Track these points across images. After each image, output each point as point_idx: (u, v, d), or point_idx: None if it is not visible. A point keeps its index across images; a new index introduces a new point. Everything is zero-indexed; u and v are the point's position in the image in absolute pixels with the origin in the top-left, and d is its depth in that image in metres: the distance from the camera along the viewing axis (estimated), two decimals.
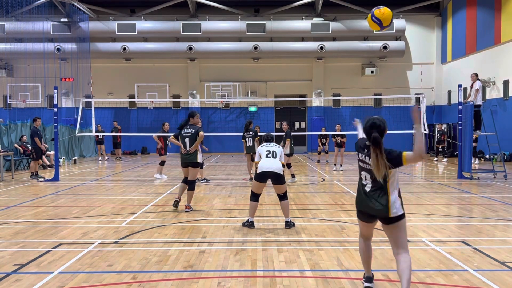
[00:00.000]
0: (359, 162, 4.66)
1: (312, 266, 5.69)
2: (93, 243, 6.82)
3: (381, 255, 6.14)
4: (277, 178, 7.74)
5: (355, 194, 4.76)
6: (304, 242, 6.88)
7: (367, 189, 4.51)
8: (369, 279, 4.88)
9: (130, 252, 6.38)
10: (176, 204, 9.47)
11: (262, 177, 7.77)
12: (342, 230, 7.63)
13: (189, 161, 9.42)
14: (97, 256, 6.19)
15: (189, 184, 9.47)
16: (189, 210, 9.30)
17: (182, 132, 9.60)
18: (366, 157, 4.51)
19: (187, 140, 9.45)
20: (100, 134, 23.99)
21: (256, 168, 8.17)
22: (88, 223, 8.34)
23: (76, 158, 24.27)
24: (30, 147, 17.37)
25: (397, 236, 4.43)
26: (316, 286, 5.02)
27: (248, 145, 14.60)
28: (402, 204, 4.45)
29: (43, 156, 19.75)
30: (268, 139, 8.51)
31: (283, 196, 7.83)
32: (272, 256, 6.12)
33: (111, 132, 25.16)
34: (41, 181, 14.79)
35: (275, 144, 8.31)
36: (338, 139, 18.41)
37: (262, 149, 8.13)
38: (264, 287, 5.00)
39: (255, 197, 7.90)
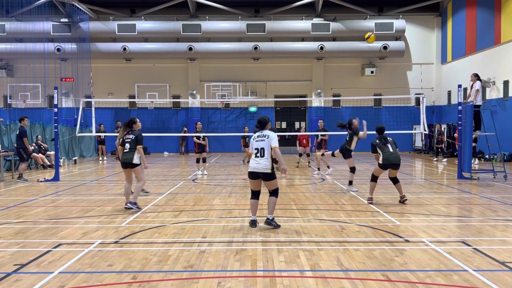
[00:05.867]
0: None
1: (312, 266, 5.69)
2: (93, 243, 6.83)
3: (381, 255, 6.15)
4: (265, 176, 7.83)
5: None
6: (304, 242, 6.88)
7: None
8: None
9: (130, 252, 6.38)
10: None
11: (252, 175, 7.92)
12: (342, 230, 7.63)
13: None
14: (97, 256, 6.20)
15: None
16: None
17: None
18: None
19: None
20: (102, 134, 23.97)
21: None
22: (88, 223, 8.34)
23: (76, 158, 24.29)
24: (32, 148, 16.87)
25: None
26: (316, 286, 5.02)
27: None
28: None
29: (43, 156, 19.82)
30: (261, 126, 8.01)
31: (272, 193, 7.97)
32: (272, 256, 6.12)
33: (115, 131, 25.09)
34: (41, 181, 14.78)
35: (265, 135, 7.90)
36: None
37: (252, 142, 7.96)
38: (264, 287, 5.00)
39: (253, 194, 8.03)
